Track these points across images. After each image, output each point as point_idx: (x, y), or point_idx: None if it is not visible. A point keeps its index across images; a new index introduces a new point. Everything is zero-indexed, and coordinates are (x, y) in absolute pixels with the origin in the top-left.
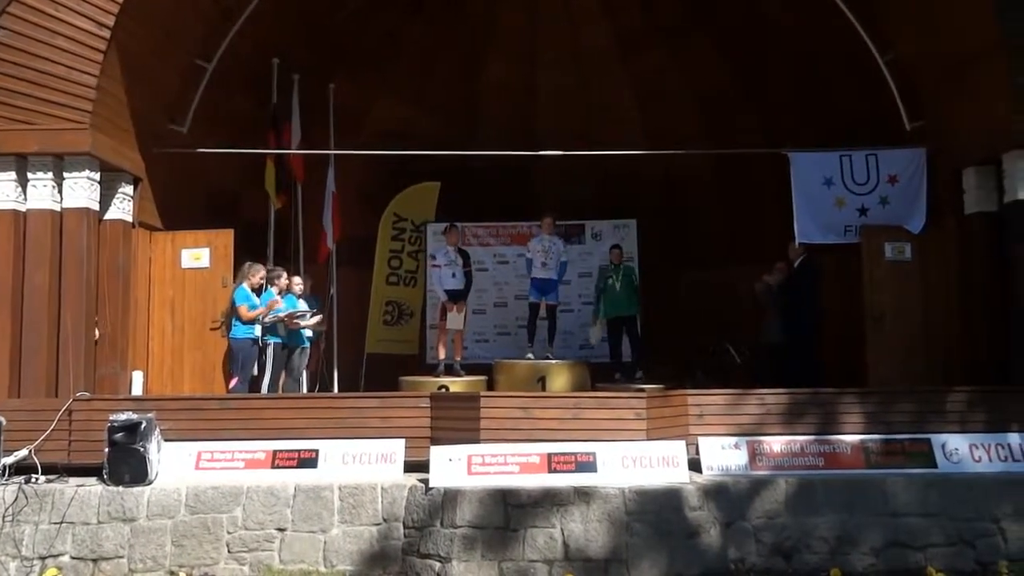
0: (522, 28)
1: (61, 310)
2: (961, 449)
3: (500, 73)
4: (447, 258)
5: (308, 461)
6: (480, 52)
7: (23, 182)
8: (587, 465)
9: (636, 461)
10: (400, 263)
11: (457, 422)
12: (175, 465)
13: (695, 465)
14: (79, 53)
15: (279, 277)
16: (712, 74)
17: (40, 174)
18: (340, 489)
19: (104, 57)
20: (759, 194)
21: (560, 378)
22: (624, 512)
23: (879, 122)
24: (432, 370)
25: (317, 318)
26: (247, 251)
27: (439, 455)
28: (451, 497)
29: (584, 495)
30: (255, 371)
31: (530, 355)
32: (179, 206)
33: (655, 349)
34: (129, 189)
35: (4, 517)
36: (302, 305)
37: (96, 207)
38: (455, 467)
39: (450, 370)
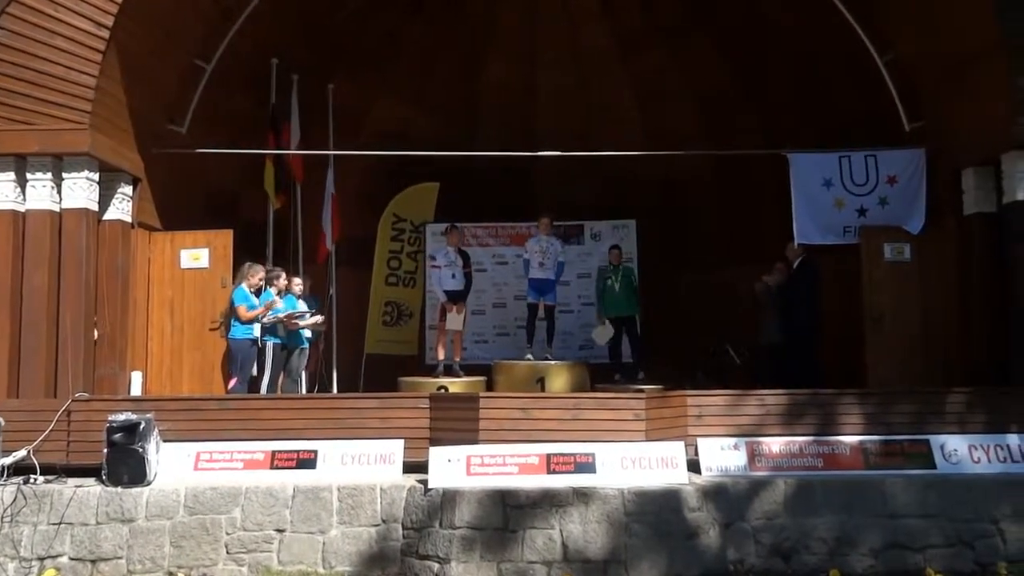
0: (522, 28)
1: (60, 310)
2: (960, 450)
3: (500, 73)
4: (447, 259)
5: (307, 462)
6: (480, 52)
7: (22, 182)
8: (586, 466)
9: (635, 462)
10: (399, 264)
11: (456, 423)
12: (174, 466)
13: (694, 466)
14: (78, 53)
15: (278, 278)
16: (712, 74)
17: (39, 174)
18: (339, 490)
19: (103, 57)
20: (759, 195)
21: (559, 379)
22: (623, 513)
23: (878, 122)
24: (431, 371)
25: (316, 319)
26: (246, 251)
27: (438, 456)
28: (450, 498)
29: (583, 496)
30: (254, 372)
31: (529, 356)
32: (178, 206)
33: (655, 350)
34: (128, 189)
35: (3, 518)
36: (301, 305)
37: (95, 207)
38: (454, 468)
39: (449, 371)
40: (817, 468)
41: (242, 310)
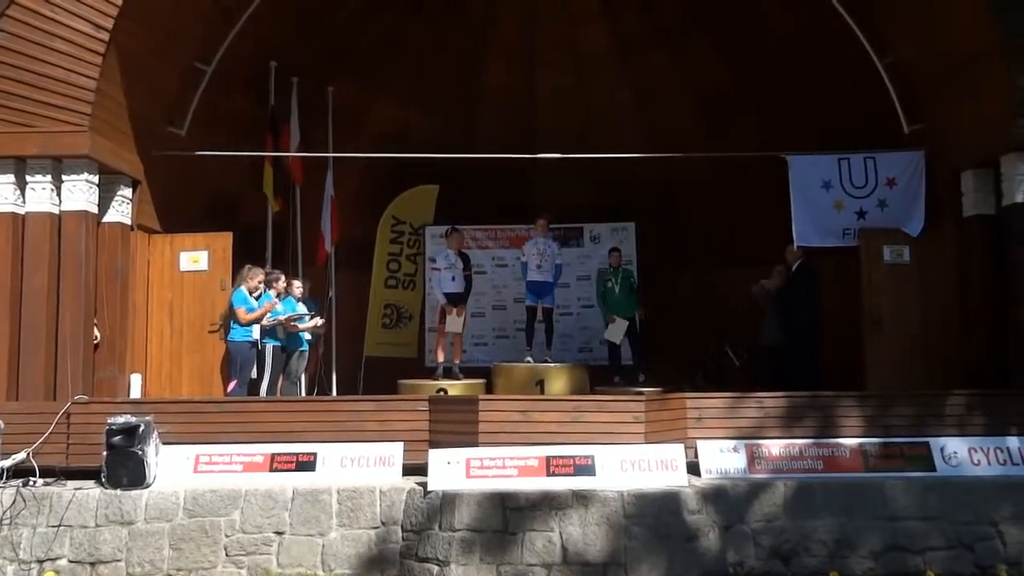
0: (521, 29)
1: (60, 313)
2: (960, 452)
3: (499, 74)
4: (447, 261)
5: (306, 464)
6: (479, 53)
7: (22, 185)
8: (586, 468)
9: (635, 464)
10: (399, 266)
11: (456, 425)
12: (173, 468)
13: (694, 468)
14: (78, 55)
15: (277, 280)
16: (712, 75)
17: (39, 177)
18: (338, 492)
19: (103, 59)
20: (758, 196)
21: (558, 381)
22: (623, 515)
23: (878, 124)
24: (431, 373)
25: (316, 321)
26: (246, 254)
27: (438, 458)
28: (449, 500)
29: (582, 498)
30: (253, 374)
31: (529, 358)
32: (178, 209)
33: (655, 351)
34: (128, 192)
35: (2, 520)
36: (301, 308)
37: (95, 210)
38: (453, 470)
39: (449, 373)
40: (817, 470)
41: (241, 312)
